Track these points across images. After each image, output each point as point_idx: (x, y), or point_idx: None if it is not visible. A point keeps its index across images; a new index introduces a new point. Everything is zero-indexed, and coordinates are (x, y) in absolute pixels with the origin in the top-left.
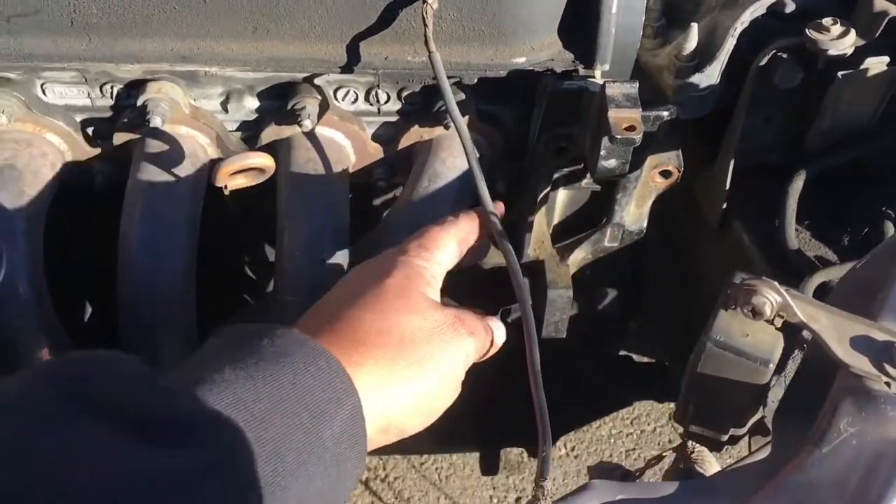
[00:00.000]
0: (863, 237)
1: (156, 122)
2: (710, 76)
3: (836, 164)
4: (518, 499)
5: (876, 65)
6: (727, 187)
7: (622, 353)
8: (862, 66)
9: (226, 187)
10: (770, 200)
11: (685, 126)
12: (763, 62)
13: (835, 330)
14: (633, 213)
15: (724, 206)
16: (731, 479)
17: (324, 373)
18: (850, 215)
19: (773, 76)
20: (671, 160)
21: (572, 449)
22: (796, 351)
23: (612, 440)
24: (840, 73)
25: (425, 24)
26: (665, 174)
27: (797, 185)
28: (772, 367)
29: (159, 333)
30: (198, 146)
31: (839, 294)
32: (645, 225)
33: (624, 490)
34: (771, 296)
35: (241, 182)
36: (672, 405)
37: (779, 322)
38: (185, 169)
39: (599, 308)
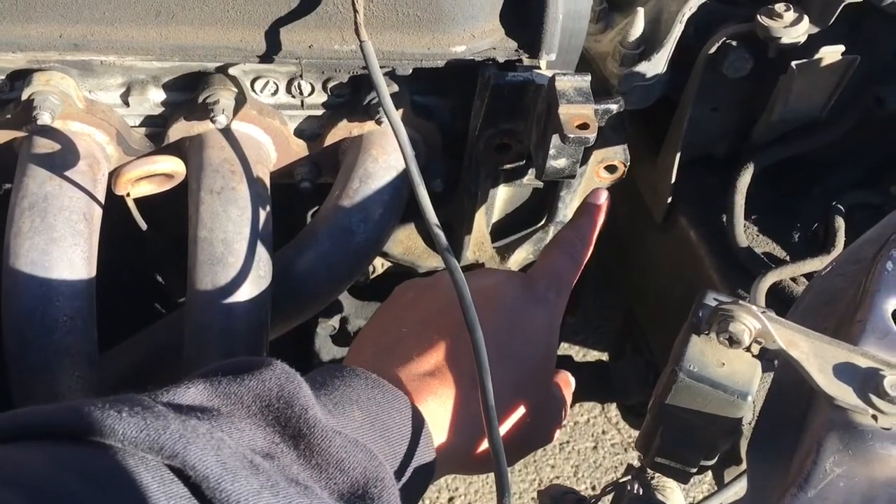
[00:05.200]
0: (813, 233)
1: (44, 118)
2: (656, 65)
3: (784, 157)
4: (451, 499)
5: (830, 54)
6: (672, 181)
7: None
8: (816, 56)
9: (128, 195)
10: (716, 194)
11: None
12: (712, 50)
13: (816, 357)
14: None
15: (669, 200)
16: None
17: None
18: (799, 210)
19: (721, 65)
20: (617, 154)
21: None
22: (764, 373)
23: None
24: (794, 63)
25: (355, 10)
26: (611, 169)
27: (745, 179)
28: (750, 399)
29: (55, 365)
30: (94, 145)
31: (803, 309)
32: None
33: None
34: (749, 322)
35: (146, 189)
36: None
37: (756, 349)
38: (80, 172)
39: None
